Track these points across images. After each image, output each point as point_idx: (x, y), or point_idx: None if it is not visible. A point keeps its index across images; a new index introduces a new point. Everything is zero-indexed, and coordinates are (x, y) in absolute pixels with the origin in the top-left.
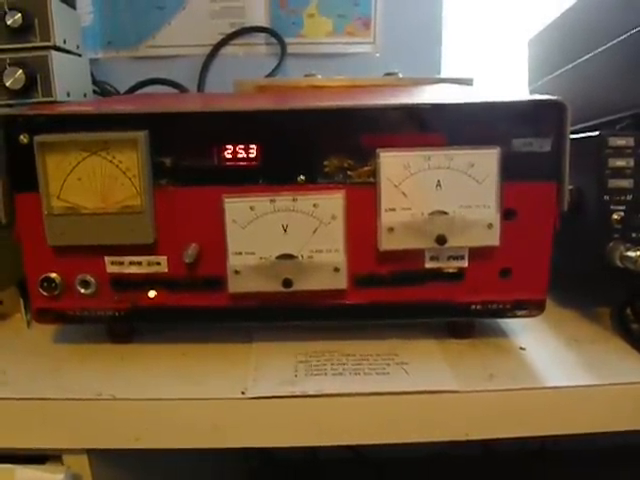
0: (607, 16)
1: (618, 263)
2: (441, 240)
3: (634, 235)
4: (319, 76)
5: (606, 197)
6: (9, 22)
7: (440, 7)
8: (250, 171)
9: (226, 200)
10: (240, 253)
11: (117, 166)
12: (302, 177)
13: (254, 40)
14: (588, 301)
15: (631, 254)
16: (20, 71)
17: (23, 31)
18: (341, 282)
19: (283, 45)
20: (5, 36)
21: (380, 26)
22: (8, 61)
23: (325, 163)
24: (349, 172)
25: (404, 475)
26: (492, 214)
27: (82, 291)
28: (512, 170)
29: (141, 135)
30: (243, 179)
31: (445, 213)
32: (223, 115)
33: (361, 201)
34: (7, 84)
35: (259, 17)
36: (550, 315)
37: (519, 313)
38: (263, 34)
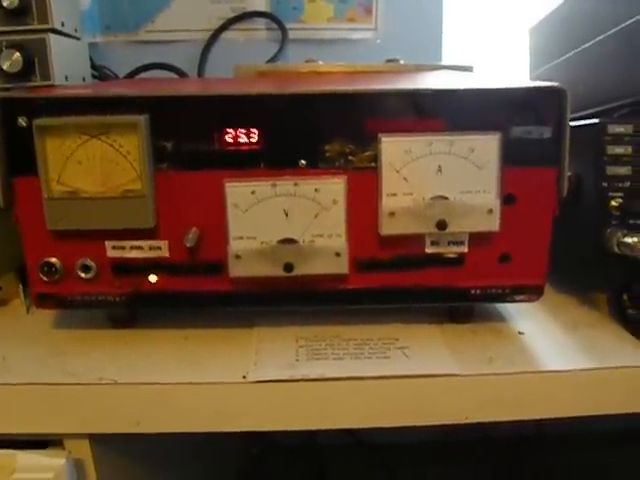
0: (608, 4)
1: (616, 249)
2: (442, 225)
3: (632, 221)
4: (320, 62)
5: (604, 184)
6: (5, 4)
7: None
8: (251, 155)
9: (227, 184)
10: (241, 237)
11: (117, 150)
12: (303, 162)
13: (255, 25)
14: (586, 287)
15: (628, 240)
16: (17, 54)
17: (20, 13)
18: (342, 267)
19: (284, 30)
20: (1, 18)
21: (381, 12)
22: (5, 44)
23: (326, 148)
24: (350, 157)
25: (404, 460)
26: (492, 199)
27: (82, 276)
28: (512, 156)
29: (142, 119)
30: (244, 163)
31: (446, 198)
32: (224, 99)
33: (362, 186)
34: (4, 67)
35: (259, 2)
36: (548, 300)
37: (518, 298)
38: (264, 19)
